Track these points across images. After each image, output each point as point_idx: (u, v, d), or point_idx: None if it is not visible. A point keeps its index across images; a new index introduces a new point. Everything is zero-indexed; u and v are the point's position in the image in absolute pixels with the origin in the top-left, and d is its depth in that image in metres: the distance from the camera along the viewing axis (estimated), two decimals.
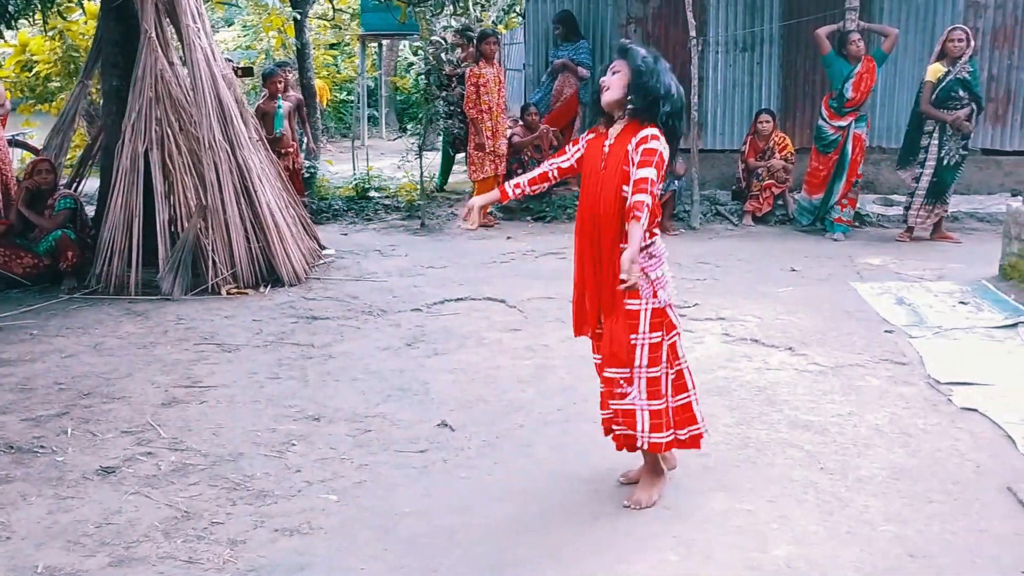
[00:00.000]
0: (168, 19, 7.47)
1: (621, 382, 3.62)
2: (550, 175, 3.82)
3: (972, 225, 9.85)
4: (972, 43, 8.61)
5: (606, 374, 3.68)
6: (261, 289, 7.23)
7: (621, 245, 3.48)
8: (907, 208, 9.16)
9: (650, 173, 3.39)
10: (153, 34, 7.30)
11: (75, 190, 8.10)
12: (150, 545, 3.38)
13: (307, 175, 10.65)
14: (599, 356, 3.75)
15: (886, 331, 6.03)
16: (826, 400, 4.83)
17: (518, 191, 3.83)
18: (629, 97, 3.52)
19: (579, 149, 3.74)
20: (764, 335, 5.94)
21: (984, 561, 3.28)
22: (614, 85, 3.56)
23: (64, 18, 11.56)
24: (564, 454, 4.23)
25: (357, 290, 7.26)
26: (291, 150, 10.00)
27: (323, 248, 8.49)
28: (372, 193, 11.54)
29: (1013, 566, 3.25)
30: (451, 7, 10.57)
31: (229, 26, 24.69)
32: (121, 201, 7.20)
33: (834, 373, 5.23)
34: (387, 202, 11.22)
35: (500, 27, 15.70)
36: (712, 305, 6.67)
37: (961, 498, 3.75)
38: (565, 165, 3.79)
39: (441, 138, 12.02)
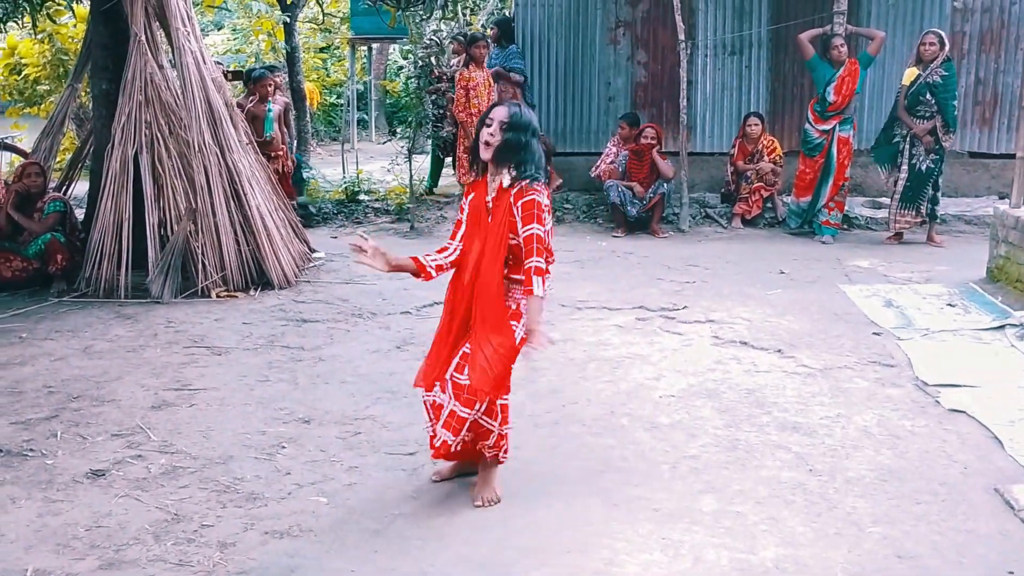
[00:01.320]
0: (158, 22, 7.46)
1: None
2: (445, 267, 3.77)
3: (960, 228, 9.91)
4: (945, 47, 8.67)
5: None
6: (251, 292, 7.23)
7: (513, 293, 3.64)
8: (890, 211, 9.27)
9: (537, 229, 3.53)
10: (143, 37, 7.30)
11: (64, 193, 8.08)
12: (140, 548, 3.38)
13: (306, 178, 10.67)
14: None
15: (874, 333, 6.06)
16: (815, 402, 4.85)
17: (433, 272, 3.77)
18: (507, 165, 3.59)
19: (458, 243, 3.76)
20: (753, 337, 5.97)
21: (971, 561, 3.30)
22: (495, 144, 3.57)
23: (53, 21, 11.54)
24: (553, 456, 4.24)
25: (347, 293, 7.26)
26: (281, 153, 9.99)
27: (313, 251, 8.49)
28: (362, 196, 11.54)
29: (1000, 566, 3.27)
30: (440, 11, 10.56)
31: (219, 30, 24.65)
32: (110, 204, 7.19)
33: (823, 375, 5.26)
34: (377, 205, 11.22)
35: (489, 31, 15.71)
36: (701, 308, 6.69)
37: (948, 499, 3.77)
38: (453, 258, 3.76)
39: (430, 141, 12.03)
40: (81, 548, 3.38)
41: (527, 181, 3.57)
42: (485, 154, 3.61)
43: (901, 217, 9.11)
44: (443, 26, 11.41)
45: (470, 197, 3.76)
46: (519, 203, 3.55)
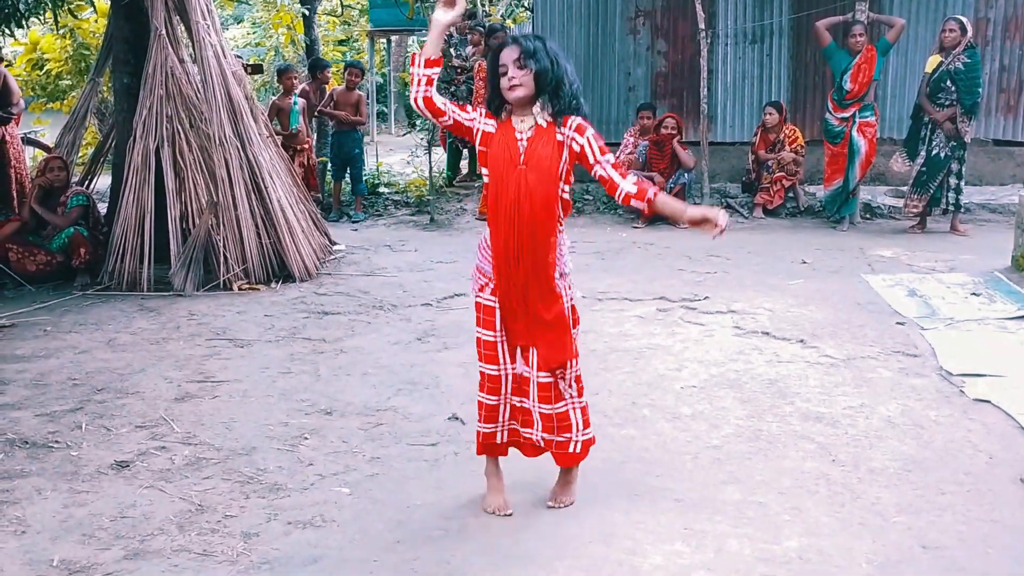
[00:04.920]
0: (178, 16, 7.50)
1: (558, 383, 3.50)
2: (447, 114, 3.37)
3: (984, 216, 9.82)
4: (967, 33, 8.57)
5: (542, 379, 3.48)
6: (272, 285, 7.26)
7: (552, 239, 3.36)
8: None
9: (612, 158, 3.34)
10: (163, 31, 7.33)
11: (87, 187, 8.14)
12: (164, 538, 3.40)
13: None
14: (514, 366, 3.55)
15: (898, 323, 6.02)
16: (838, 392, 4.82)
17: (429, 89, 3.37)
18: (544, 98, 3.30)
19: (480, 123, 3.40)
20: (775, 328, 5.94)
21: (997, 552, 3.27)
22: (524, 82, 3.26)
23: (75, 16, 11.59)
24: None
25: (368, 285, 7.28)
26: (306, 146, 10.04)
27: (334, 243, 8.51)
28: (382, 189, 11.57)
29: None
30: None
31: (239, 23, 24.74)
32: (133, 198, 7.23)
33: (846, 365, 5.23)
34: (397, 197, 11.26)
35: (508, 22, 15.64)
36: (723, 298, 6.66)
37: (974, 489, 3.74)
38: (464, 122, 3.40)
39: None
40: (106, 538, 3.41)
41: (577, 117, 3.32)
42: (513, 95, 3.27)
43: (910, 201, 9.08)
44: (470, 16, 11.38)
45: (492, 127, 3.39)
46: (586, 135, 3.28)
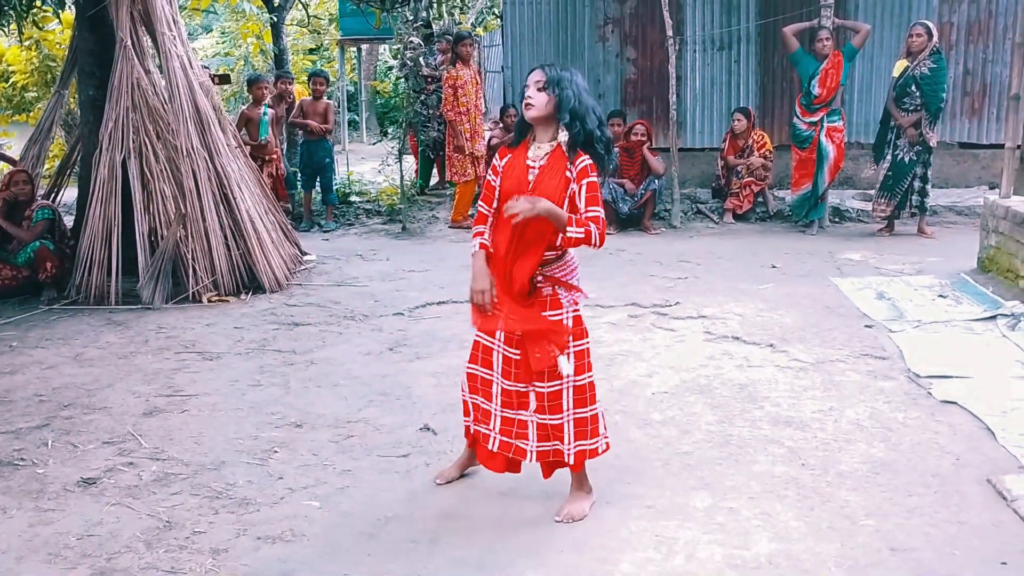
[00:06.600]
0: (144, 27, 7.43)
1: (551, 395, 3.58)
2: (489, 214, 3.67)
3: (950, 219, 9.93)
4: (933, 38, 8.66)
5: (539, 388, 3.59)
6: (242, 296, 7.21)
7: (539, 277, 3.57)
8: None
9: (600, 212, 3.40)
10: (129, 43, 7.27)
11: (53, 200, 8.05)
12: (132, 556, 3.36)
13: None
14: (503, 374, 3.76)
15: (866, 326, 6.07)
16: (807, 396, 4.85)
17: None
18: (564, 122, 3.43)
19: (499, 166, 3.62)
20: (745, 332, 5.97)
21: (964, 553, 3.30)
22: (537, 103, 3.43)
23: (40, 28, 11.51)
24: None
25: (339, 295, 7.24)
26: (275, 156, 10.00)
27: (304, 254, 8.46)
28: (353, 198, 11.52)
29: (993, 557, 3.27)
30: (425, 12, 10.55)
31: (208, 33, 24.63)
32: (99, 211, 7.16)
33: (815, 369, 5.26)
34: (368, 207, 11.22)
35: (479, 29, 15.70)
36: (693, 303, 6.69)
37: (941, 491, 3.77)
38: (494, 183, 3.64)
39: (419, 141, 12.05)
40: (73, 557, 3.37)
41: (591, 160, 3.42)
42: (528, 113, 3.45)
43: (878, 205, 9.18)
44: (425, 24, 11.38)
45: (505, 159, 3.58)
46: (584, 181, 3.39)
